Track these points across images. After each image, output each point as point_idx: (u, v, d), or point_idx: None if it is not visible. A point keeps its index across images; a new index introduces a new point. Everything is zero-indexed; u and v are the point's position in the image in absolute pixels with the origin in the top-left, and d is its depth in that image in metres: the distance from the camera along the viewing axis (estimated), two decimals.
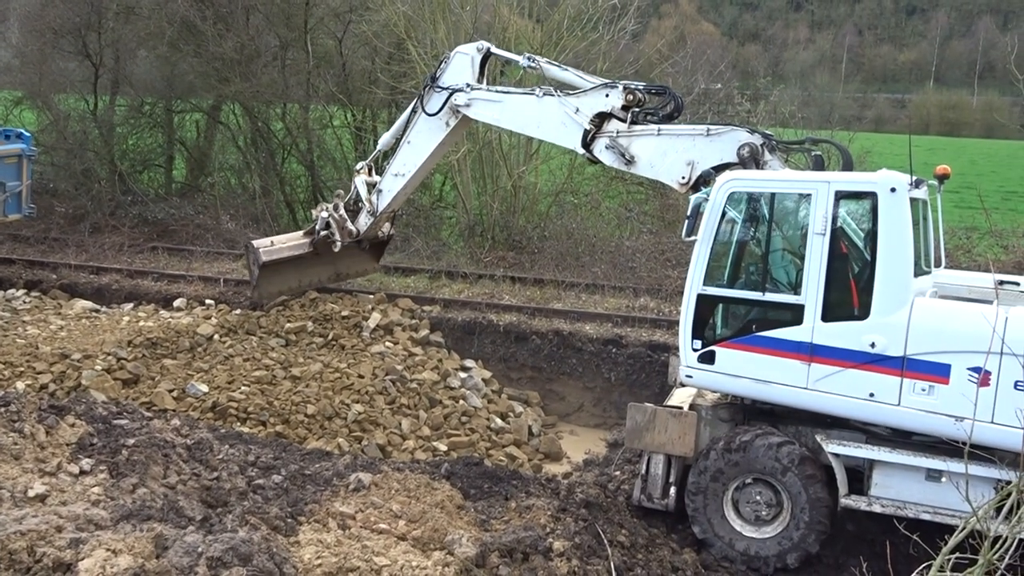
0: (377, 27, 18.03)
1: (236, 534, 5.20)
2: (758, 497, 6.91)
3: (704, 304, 7.01)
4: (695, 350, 7.05)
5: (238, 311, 12.15)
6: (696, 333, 7.04)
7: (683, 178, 8.06)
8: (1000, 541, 4.03)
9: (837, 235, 6.59)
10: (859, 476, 6.75)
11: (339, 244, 11.48)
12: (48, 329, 11.67)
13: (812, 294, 6.59)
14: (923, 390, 6.27)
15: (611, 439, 10.03)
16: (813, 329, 6.57)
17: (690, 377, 7.18)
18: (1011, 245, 15.10)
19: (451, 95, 9.92)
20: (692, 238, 7.03)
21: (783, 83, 22.70)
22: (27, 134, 13.21)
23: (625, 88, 8.65)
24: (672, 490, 7.25)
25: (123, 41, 19.52)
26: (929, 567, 4.14)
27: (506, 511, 6.86)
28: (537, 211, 17.88)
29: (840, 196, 6.59)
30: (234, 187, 20.60)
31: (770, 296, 6.84)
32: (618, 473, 8.44)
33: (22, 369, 10.12)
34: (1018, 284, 7.41)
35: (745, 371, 6.85)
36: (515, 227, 17.05)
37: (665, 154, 8.22)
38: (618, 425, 10.23)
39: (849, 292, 6.60)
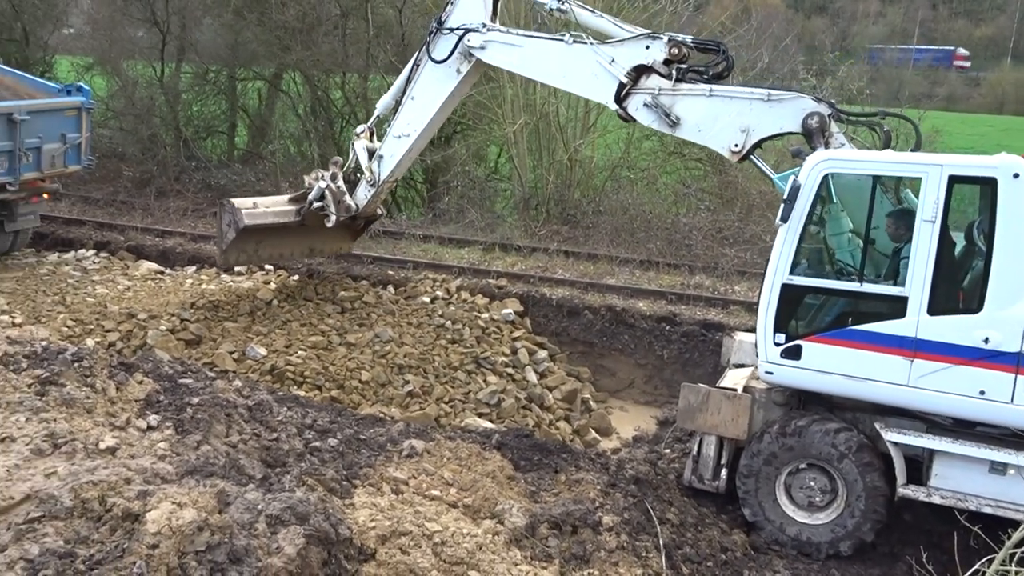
0: None
1: (294, 494, 5.33)
2: (812, 483, 6.80)
3: (790, 295, 6.59)
4: (777, 344, 6.63)
5: (296, 277, 12.41)
6: (779, 326, 6.61)
7: (736, 146, 7.52)
8: None
9: (947, 223, 6.16)
10: (918, 465, 6.57)
11: (333, 220, 10.20)
12: (116, 289, 12.09)
13: (918, 286, 6.18)
14: None
15: (661, 417, 10.00)
16: (918, 323, 6.20)
17: (771, 374, 6.77)
18: None
19: (463, 36, 9.01)
20: None
21: (851, 58, 21.90)
22: (86, 88, 13.48)
23: (670, 40, 7.84)
24: (723, 472, 7.17)
25: (189, 9, 19.84)
26: (991, 561, 4.05)
27: (556, 484, 6.90)
28: (592, 185, 17.71)
29: (954, 181, 6.15)
30: (293, 155, 20.87)
31: (868, 287, 6.48)
32: (668, 451, 8.40)
33: (92, 327, 10.53)
34: None
35: (837, 367, 6.46)
36: (570, 201, 16.95)
37: (717, 118, 7.61)
38: (669, 403, 10.18)
39: (960, 284, 6.25)
